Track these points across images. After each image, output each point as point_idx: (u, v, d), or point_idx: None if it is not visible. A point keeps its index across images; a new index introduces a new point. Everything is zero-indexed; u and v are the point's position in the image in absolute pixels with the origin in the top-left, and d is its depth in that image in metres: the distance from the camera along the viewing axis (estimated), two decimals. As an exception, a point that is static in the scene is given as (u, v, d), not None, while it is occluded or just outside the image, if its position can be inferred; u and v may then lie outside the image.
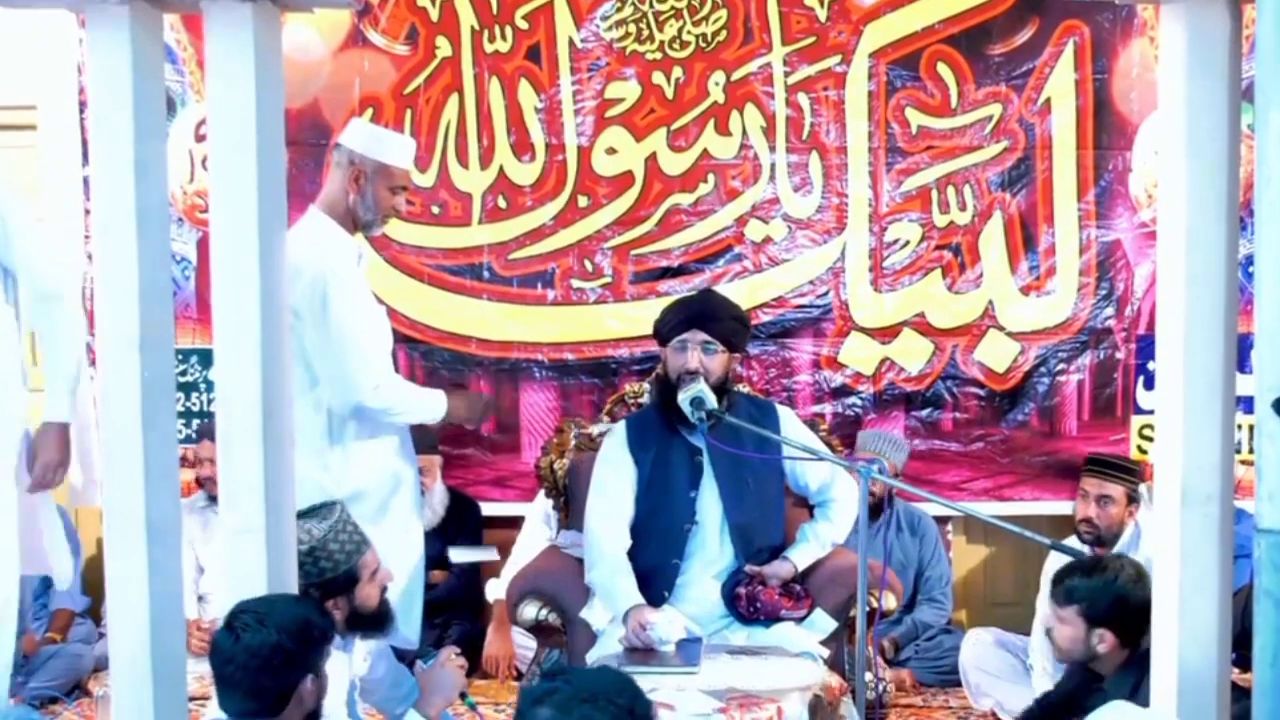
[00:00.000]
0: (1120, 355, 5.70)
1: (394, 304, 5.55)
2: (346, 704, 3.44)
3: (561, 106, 5.66)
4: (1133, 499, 4.90)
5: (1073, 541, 4.84)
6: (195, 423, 5.68)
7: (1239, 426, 5.01)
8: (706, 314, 4.23)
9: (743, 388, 4.76)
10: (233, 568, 2.98)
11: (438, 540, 5.38)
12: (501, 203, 5.69)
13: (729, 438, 4.13)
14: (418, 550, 4.24)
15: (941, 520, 5.67)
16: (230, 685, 2.85)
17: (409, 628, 4.11)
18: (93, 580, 5.55)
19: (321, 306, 3.92)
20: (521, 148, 5.67)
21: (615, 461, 4.29)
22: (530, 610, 4.25)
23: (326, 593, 3.28)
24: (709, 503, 4.22)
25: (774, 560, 4.22)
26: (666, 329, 4.25)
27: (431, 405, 4.18)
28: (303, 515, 3.29)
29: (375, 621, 3.43)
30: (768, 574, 4.15)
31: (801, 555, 4.26)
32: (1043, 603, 5.02)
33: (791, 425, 4.36)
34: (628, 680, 2.24)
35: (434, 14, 5.63)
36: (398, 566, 3.85)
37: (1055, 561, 4.97)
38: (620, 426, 4.40)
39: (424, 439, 5.14)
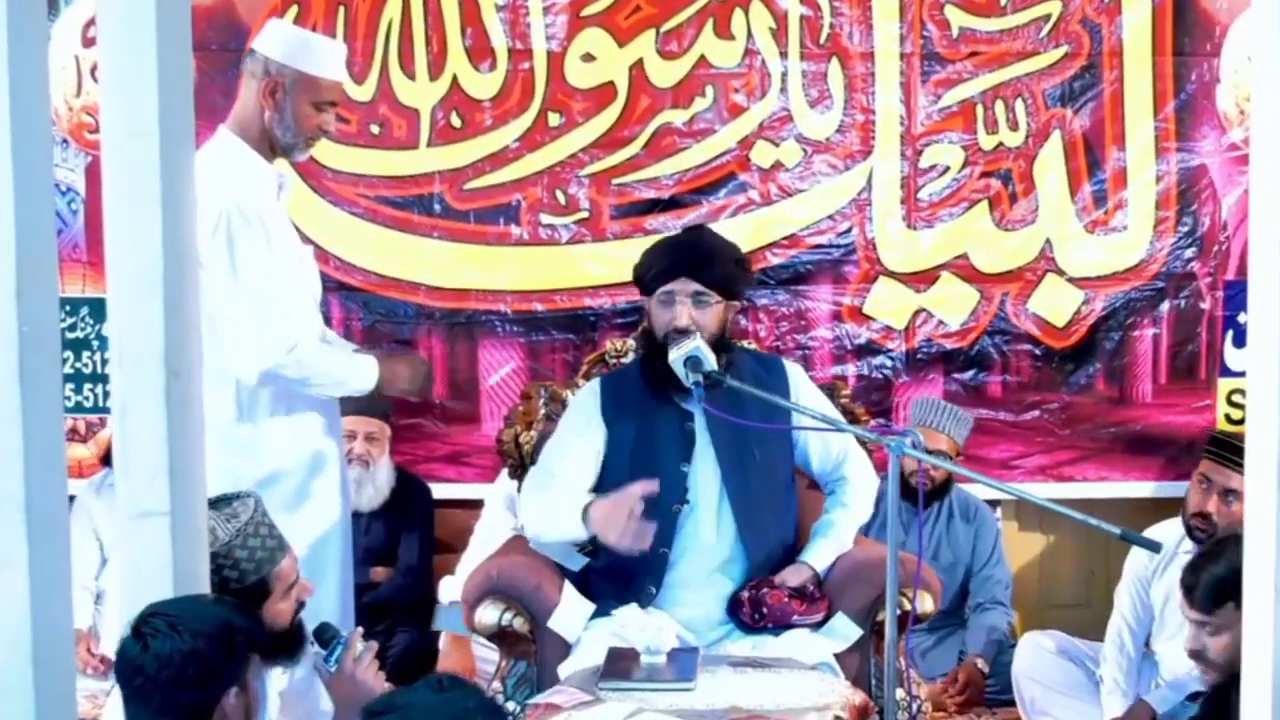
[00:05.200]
0: (1204, 305, 5.72)
1: (324, 244, 5.56)
2: None
3: (528, 3, 5.65)
4: None
5: (1162, 531, 4.81)
6: (86, 387, 5.68)
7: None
8: (697, 258, 4.22)
9: (749, 344, 4.76)
10: (132, 559, 2.97)
11: (381, 527, 5.39)
12: (455, 121, 5.69)
13: (728, 402, 4.12)
14: (341, 541, 4.25)
15: (989, 504, 5.68)
16: (139, 702, 2.84)
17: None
18: (-39, 579, 5.56)
19: (227, 250, 3.91)
20: (479, 54, 5.66)
21: (583, 423, 4.31)
22: (491, 614, 4.24)
23: None
24: (704, 479, 4.23)
25: (785, 567, 4.23)
26: (650, 276, 4.24)
27: (360, 373, 4.17)
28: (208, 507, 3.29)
29: (282, 645, 3.42)
30: (779, 584, 4.16)
31: (819, 555, 4.26)
32: (1121, 598, 5.01)
33: (803, 388, 4.37)
34: (471, 702, 2.25)
35: (372, -111, 5.62)
36: (318, 559, 3.85)
37: (1140, 559, 4.96)
38: (593, 385, 4.41)
39: (374, 404, 5.14)
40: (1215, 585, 3.70)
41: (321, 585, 3.98)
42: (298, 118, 4.08)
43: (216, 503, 3.32)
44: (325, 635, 3.52)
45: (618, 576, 4.15)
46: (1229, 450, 4.82)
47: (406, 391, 4.40)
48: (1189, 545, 4.83)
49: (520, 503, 4.34)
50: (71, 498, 5.13)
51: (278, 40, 4.11)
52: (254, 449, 4.03)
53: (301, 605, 3.46)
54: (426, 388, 4.43)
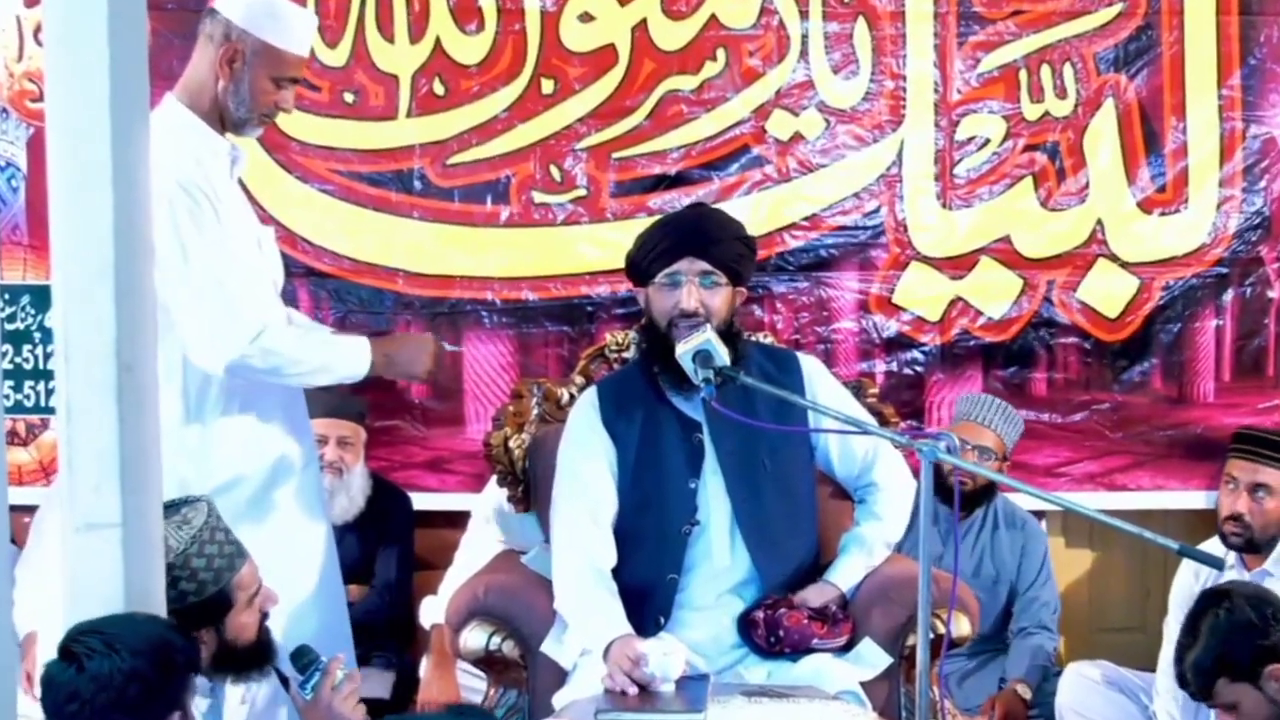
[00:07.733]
0: (1273, 293, 5.73)
1: (290, 225, 5.58)
2: None
3: (519, -43, 5.67)
4: None
5: (1214, 546, 4.83)
6: (28, 384, 5.68)
7: None
8: (704, 234, 4.20)
9: (764, 337, 4.76)
10: (78, 577, 2.98)
11: (355, 541, 5.39)
12: (438, 88, 5.69)
13: (738, 402, 4.10)
14: (317, 557, 4.26)
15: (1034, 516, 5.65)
16: None
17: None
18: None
19: (173, 232, 3.88)
20: (465, 14, 5.67)
21: (587, 441, 4.28)
22: (478, 637, 4.24)
23: (188, 623, 3.28)
24: (715, 495, 4.21)
25: (810, 586, 4.21)
26: (648, 260, 4.21)
27: (348, 357, 4.16)
28: None
29: (252, 657, 3.43)
30: (798, 603, 4.15)
31: (846, 573, 4.25)
32: (1170, 627, 5.02)
33: (821, 385, 4.36)
34: None
35: None
36: (287, 581, 3.84)
37: (1185, 582, 4.95)
38: (590, 394, 4.39)
39: (347, 404, 5.15)
40: (1199, 674, 3.93)
41: (295, 607, 3.99)
42: (254, 92, 4.08)
43: (164, 510, 3.32)
44: (303, 659, 3.51)
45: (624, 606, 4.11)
46: (1254, 443, 4.95)
47: (411, 376, 4.37)
48: (1233, 559, 4.86)
49: (556, 554, 4.23)
50: (33, 507, 5.20)
51: (241, 2, 4.09)
52: (204, 453, 4.02)
53: (266, 615, 3.47)
54: (437, 369, 4.40)
